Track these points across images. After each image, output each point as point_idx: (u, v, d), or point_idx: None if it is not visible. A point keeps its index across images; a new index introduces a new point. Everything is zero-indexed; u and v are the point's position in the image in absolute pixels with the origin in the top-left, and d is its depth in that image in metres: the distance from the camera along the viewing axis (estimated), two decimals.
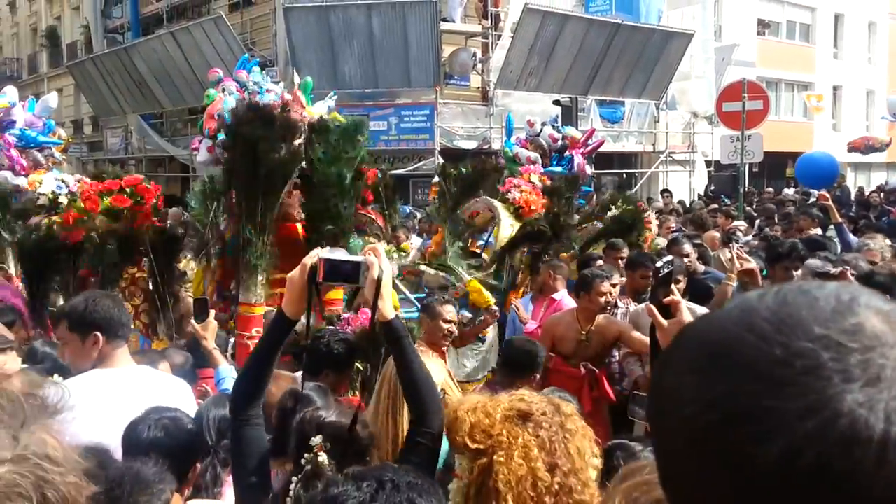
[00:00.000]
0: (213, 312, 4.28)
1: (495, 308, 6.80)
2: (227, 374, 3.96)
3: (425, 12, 18.11)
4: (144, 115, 25.10)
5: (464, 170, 7.72)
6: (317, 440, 2.13)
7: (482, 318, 6.09)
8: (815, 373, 0.60)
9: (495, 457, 1.89)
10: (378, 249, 2.28)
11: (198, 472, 2.71)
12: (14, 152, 8.69)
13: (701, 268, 6.44)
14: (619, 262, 6.60)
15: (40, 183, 6.85)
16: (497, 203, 7.57)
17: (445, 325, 4.52)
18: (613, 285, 5.56)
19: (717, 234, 8.30)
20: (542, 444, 1.91)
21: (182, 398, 3.20)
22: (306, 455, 2.11)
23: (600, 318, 5.32)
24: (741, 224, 11.06)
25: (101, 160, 27.23)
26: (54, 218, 6.27)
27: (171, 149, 23.27)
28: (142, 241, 5.29)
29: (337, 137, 5.17)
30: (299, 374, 3.49)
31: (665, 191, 19.12)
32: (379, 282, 2.19)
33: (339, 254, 2.28)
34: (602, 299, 5.23)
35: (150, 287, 5.40)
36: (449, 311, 4.58)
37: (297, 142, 5.18)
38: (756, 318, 0.64)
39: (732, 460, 0.62)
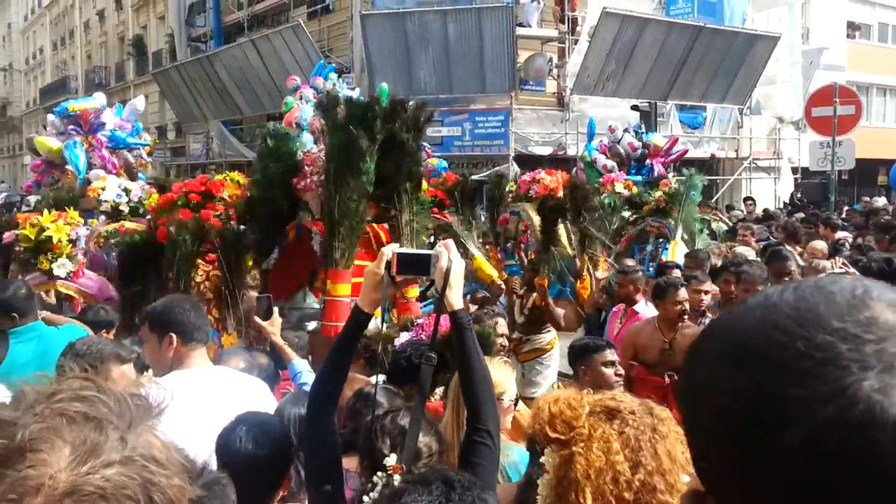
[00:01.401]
0: (276, 310, 4.30)
1: (500, 282, 6.65)
2: (302, 367, 3.95)
3: (501, 17, 17.99)
4: (225, 121, 25.71)
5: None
6: (392, 461, 2.09)
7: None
8: (833, 363, 0.65)
9: (576, 448, 1.86)
10: (450, 244, 2.32)
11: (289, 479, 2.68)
12: (105, 152, 8.94)
13: None
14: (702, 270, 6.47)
15: (103, 189, 6.97)
16: (525, 205, 7.43)
17: (498, 340, 4.49)
18: (706, 292, 5.54)
19: (823, 246, 7.70)
20: (626, 441, 1.85)
21: (260, 398, 3.21)
22: (379, 474, 2.07)
23: (686, 326, 5.19)
24: (847, 235, 10.28)
25: (184, 165, 28.05)
26: (114, 225, 6.40)
27: (249, 154, 23.68)
28: (209, 235, 5.35)
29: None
30: (374, 377, 3.44)
31: (748, 198, 18.48)
32: (448, 272, 2.24)
33: (414, 251, 2.39)
34: (677, 308, 5.15)
35: (220, 282, 5.45)
36: (501, 325, 4.56)
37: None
38: (779, 315, 0.69)
39: (760, 446, 0.66)
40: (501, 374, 3.20)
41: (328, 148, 5.13)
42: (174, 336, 3.11)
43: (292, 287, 5.71)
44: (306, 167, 5.40)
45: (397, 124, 5.04)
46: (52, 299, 5.99)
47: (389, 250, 2.30)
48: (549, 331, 6.83)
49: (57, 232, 5.70)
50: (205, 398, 2.90)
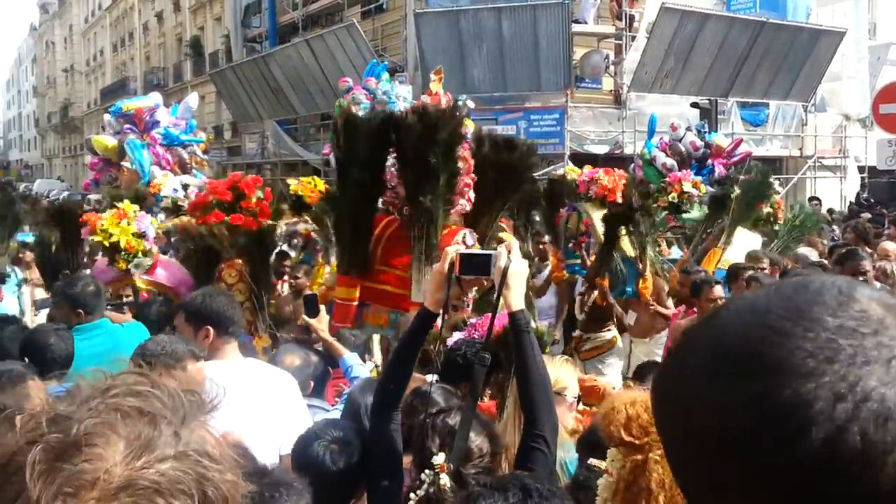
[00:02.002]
0: (323, 308, 4.36)
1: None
2: (353, 362, 4.01)
3: (557, 14, 17.75)
4: (280, 121, 25.95)
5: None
6: (439, 459, 2.09)
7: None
8: (839, 359, 0.64)
9: (651, 455, 1.80)
10: (512, 244, 2.34)
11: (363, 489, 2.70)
12: (160, 149, 9.03)
13: (877, 285, 5.75)
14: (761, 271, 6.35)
15: (164, 186, 7.02)
16: (584, 205, 7.25)
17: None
18: None
19: (894, 248, 7.36)
20: None
21: (287, 390, 3.33)
22: (427, 472, 2.09)
23: None
24: None
25: (239, 164, 28.40)
26: (175, 221, 6.42)
27: (304, 153, 23.89)
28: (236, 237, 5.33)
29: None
30: (430, 376, 3.39)
31: (813, 198, 17.88)
32: (506, 272, 2.25)
33: (476, 251, 2.46)
34: (709, 305, 5.19)
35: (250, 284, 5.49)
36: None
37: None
38: (772, 318, 0.68)
39: (776, 454, 0.64)
40: (563, 371, 3.18)
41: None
42: (210, 329, 3.24)
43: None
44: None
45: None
46: (128, 291, 6.11)
47: (453, 250, 2.33)
48: (609, 329, 6.77)
49: (123, 234, 5.68)
50: (237, 390, 2.93)
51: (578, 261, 7.33)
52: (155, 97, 9.94)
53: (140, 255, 5.69)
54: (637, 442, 1.83)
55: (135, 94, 33.50)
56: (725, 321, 0.71)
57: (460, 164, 5.29)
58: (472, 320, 4.45)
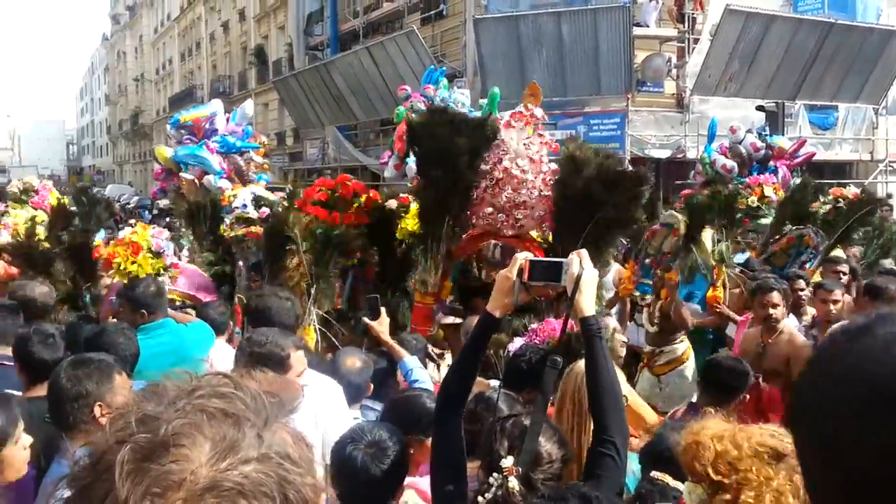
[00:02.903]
0: (383, 310, 4.39)
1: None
2: (413, 365, 4.00)
3: (618, 17, 17.56)
4: (340, 127, 26.29)
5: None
6: (508, 462, 2.08)
7: None
8: None
9: (742, 496, 1.73)
10: (583, 252, 2.33)
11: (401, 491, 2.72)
12: (217, 157, 9.23)
13: None
14: (840, 276, 6.36)
15: (234, 197, 7.16)
16: (674, 212, 7.11)
17: (620, 349, 4.50)
18: (835, 302, 5.43)
19: None
20: (796, 492, 1.72)
21: (330, 397, 3.37)
22: (495, 475, 2.08)
23: (785, 333, 5.17)
24: None
25: (300, 169, 28.84)
26: (243, 230, 6.56)
27: (363, 159, 24.14)
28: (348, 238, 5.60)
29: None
30: (493, 381, 3.38)
31: (885, 204, 17.25)
32: (578, 279, 2.26)
33: (547, 259, 2.42)
34: (763, 311, 5.16)
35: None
36: (618, 336, 4.55)
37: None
38: None
39: None
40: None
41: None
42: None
43: None
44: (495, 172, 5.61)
45: None
46: None
47: (523, 257, 2.34)
48: (682, 340, 6.55)
49: (142, 265, 5.62)
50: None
51: (651, 281, 7.20)
52: (215, 105, 10.15)
53: (162, 270, 5.70)
54: (726, 481, 1.76)
55: (201, 102, 34.31)
56: (874, 353, 0.65)
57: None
58: (534, 325, 4.44)
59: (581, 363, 3.00)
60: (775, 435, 1.83)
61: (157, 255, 5.71)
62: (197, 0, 47.92)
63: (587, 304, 2.29)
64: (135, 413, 0.89)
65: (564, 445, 2.25)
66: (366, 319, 4.38)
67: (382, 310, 4.39)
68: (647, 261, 6.99)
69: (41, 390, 3.14)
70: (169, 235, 6.13)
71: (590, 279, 2.29)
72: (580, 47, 17.82)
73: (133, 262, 5.57)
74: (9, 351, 3.96)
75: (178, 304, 5.69)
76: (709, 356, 5.23)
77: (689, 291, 6.86)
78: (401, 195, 6.71)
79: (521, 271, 2.31)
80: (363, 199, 6.05)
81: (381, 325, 4.28)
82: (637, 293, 6.83)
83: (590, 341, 2.31)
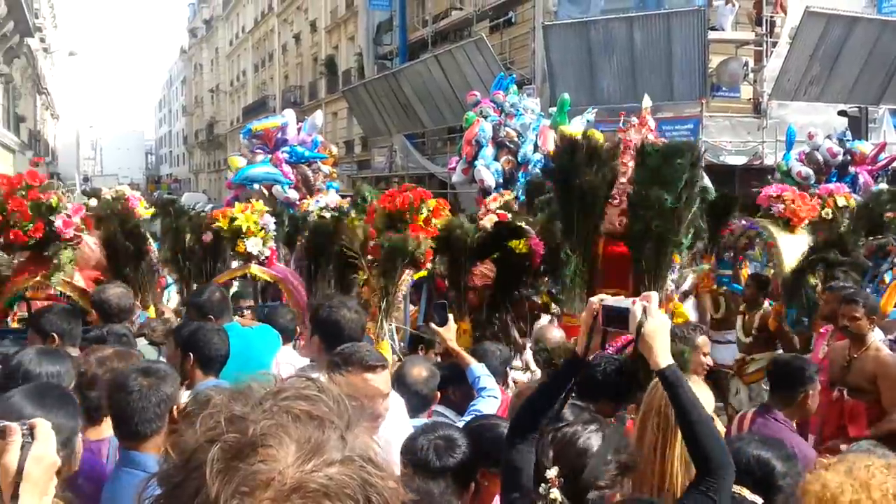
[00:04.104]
0: (451, 317, 4.38)
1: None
2: (481, 372, 3.93)
3: (692, 22, 17.15)
4: (408, 135, 26.40)
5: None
6: (552, 473, 2.05)
7: None
8: None
9: None
10: (651, 296, 2.23)
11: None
12: (286, 167, 9.34)
13: None
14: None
15: (308, 205, 7.37)
16: (765, 222, 6.85)
17: (704, 358, 4.32)
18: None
19: None
20: None
21: (392, 405, 3.33)
22: (542, 485, 2.06)
23: (872, 348, 4.95)
24: None
25: (368, 177, 29.08)
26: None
27: (430, 166, 24.18)
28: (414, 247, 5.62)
29: (657, 160, 5.47)
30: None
31: None
32: (640, 329, 2.17)
33: (621, 301, 2.26)
34: (841, 322, 4.98)
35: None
36: (705, 343, 4.39)
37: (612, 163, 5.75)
38: None
39: None
40: (697, 390, 2.92)
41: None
42: (317, 339, 3.44)
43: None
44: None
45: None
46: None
47: (597, 300, 2.28)
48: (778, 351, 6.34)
49: (245, 221, 6.25)
50: None
51: (730, 272, 6.96)
52: (288, 115, 10.31)
53: (259, 238, 6.22)
54: None
55: (274, 112, 35.07)
56: None
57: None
58: None
59: None
60: None
61: (263, 228, 6.28)
62: (270, 13, 49.02)
63: (658, 355, 2.18)
64: (224, 413, 0.91)
65: (623, 451, 2.17)
66: (433, 326, 4.37)
67: (450, 317, 4.38)
68: (727, 255, 6.83)
69: None
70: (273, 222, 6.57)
71: (655, 330, 2.17)
72: (653, 52, 17.46)
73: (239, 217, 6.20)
74: (76, 352, 3.99)
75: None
76: None
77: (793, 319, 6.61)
78: (498, 211, 6.78)
79: (595, 315, 2.25)
80: (430, 205, 6.02)
81: (449, 332, 4.26)
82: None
83: (672, 391, 2.19)
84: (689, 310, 6.77)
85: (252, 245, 6.26)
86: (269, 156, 9.75)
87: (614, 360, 3.72)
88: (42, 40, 38.19)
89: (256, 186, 9.61)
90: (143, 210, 6.65)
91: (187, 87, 78.46)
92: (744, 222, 7.18)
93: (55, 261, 5.32)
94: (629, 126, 6.21)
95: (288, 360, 4.60)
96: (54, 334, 4.10)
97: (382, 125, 27.90)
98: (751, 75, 18.48)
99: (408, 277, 6.26)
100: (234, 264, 6.65)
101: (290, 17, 45.12)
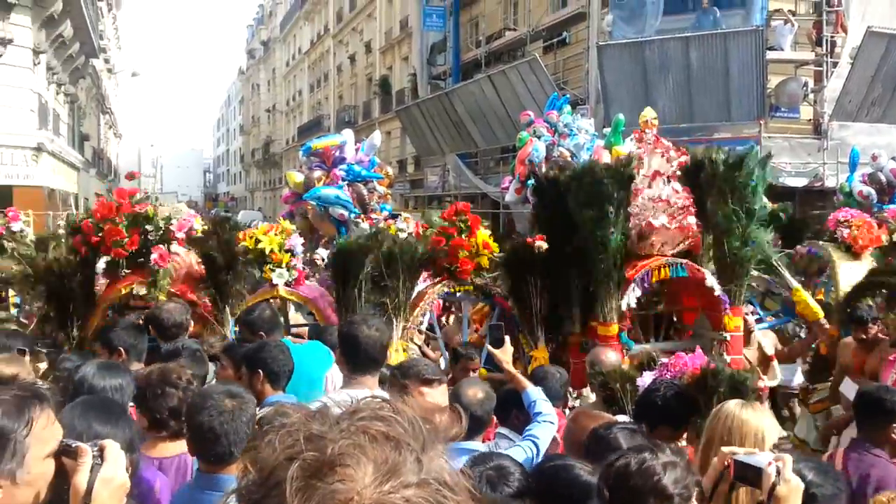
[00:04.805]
0: (507, 339, 4.35)
1: (824, 321, 6.04)
2: (536, 396, 3.89)
3: (750, 42, 16.88)
4: (461, 155, 26.51)
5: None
6: None
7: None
8: None
9: None
10: (786, 458, 2.08)
11: None
12: (343, 185, 9.46)
13: None
14: None
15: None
16: (827, 245, 6.67)
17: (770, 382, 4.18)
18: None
19: None
20: None
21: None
22: None
23: None
24: None
25: (421, 196, 29.25)
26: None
27: (483, 186, 24.21)
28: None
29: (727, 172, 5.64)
30: (622, 417, 3.23)
31: None
32: (772, 491, 2.02)
33: (754, 456, 2.13)
34: None
35: None
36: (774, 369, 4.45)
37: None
38: None
39: None
40: (763, 420, 2.86)
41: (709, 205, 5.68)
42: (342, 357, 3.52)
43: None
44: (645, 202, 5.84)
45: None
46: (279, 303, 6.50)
47: (728, 451, 2.14)
48: None
49: (269, 243, 6.22)
50: None
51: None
52: (347, 135, 10.44)
53: (285, 267, 6.18)
54: None
55: (328, 131, 35.57)
56: None
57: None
58: (664, 360, 4.25)
59: (730, 405, 2.78)
60: None
61: (289, 252, 6.26)
62: (326, 34, 49.89)
63: None
64: (302, 431, 0.92)
65: (687, 482, 2.08)
66: (490, 348, 4.32)
67: (506, 339, 4.34)
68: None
69: None
70: (303, 242, 6.58)
71: (788, 494, 2.02)
72: (709, 73, 17.23)
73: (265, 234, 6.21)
74: (141, 366, 4.08)
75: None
76: None
77: None
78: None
79: (726, 468, 2.14)
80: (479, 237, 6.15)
81: (505, 355, 4.22)
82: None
83: None
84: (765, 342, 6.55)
85: (278, 277, 6.27)
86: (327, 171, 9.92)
87: (674, 385, 3.66)
88: (106, 61, 39.47)
89: (312, 203, 9.73)
90: (200, 227, 6.77)
91: (245, 107, 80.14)
92: (806, 247, 7.04)
93: (153, 278, 5.54)
94: (642, 148, 6.16)
95: (339, 376, 4.68)
96: (121, 349, 4.21)
97: (435, 145, 28.07)
98: (811, 96, 18.10)
99: (436, 289, 6.30)
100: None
101: (346, 39, 45.86)
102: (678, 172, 5.90)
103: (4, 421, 1.62)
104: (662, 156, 5.98)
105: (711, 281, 5.65)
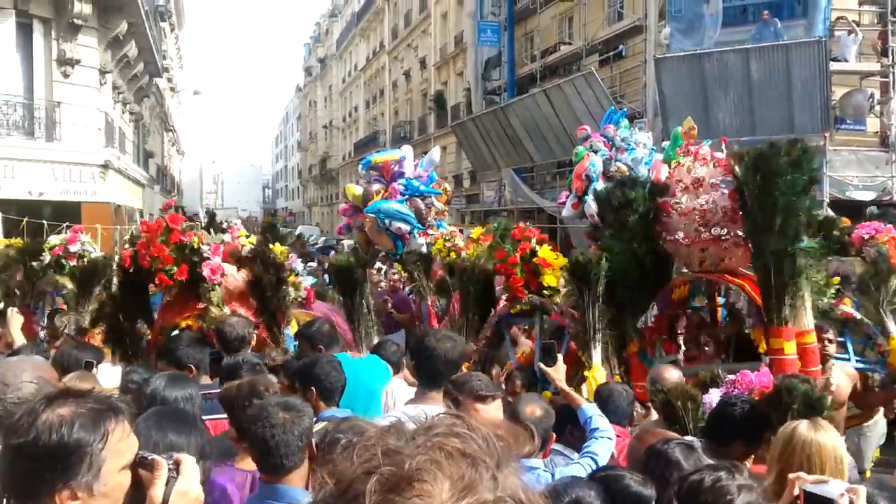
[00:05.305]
0: (560, 357, 4.31)
1: None
2: (592, 412, 3.87)
3: (813, 53, 16.49)
4: (516, 169, 26.45)
5: None
6: None
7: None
8: None
9: None
10: (859, 490, 2.04)
11: None
12: (400, 199, 9.54)
13: None
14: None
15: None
16: (855, 263, 6.61)
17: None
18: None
19: None
20: None
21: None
22: None
23: None
24: None
25: (477, 212, 29.26)
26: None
27: (539, 201, 24.09)
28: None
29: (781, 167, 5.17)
30: (691, 438, 3.17)
31: None
32: None
33: (825, 486, 2.09)
34: None
35: None
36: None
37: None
38: None
39: None
40: (836, 439, 2.85)
41: (749, 199, 5.21)
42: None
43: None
44: (676, 217, 5.59)
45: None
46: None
47: (796, 477, 2.12)
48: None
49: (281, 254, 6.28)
50: None
51: None
52: (406, 150, 10.53)
53: (291, 287, 6.26)
54: None
55: (384, 147, 35.96)
56: None
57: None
58: (731, 377, 4.15)
59: (801, 430, 2.70)
60: None
61: (291, 271, 6.34)
62: (381, 51, 50.48)
63: None
64: (379, 446, 0.93)
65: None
66: (542, 366, 4.29)
67: (559, 356, 4.32)
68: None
69: None
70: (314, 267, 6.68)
71: None
72: (771, 85, 16.88)
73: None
74: (209, 380, 4.16)
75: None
76: None
77: None
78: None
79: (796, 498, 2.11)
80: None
81: (558, 373, 4.20)
82: None
83: None
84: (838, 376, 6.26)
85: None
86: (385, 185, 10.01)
87: (749, 400, 3.56)
88: (169, 80, 40.61)
89: (371, 216, 9.81)
90: (244, 239, 6.91)
91: (302, 124, 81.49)
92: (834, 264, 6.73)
93: (205, 303, 5.66)
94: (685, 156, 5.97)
95: (399, 391, 4.71)
96: (191, 366, 4.28)
97: (491, 159, 28.08)
98: (877, 107, 17.57)
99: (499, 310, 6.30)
100: None
101: (401, 55, 46.32)
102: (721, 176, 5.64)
103: (81, 433, 1.63)
104: (704, 164, 5.78)
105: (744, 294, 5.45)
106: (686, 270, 6.01)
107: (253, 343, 5.32)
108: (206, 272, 5.64)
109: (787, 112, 16.88)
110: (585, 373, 5.78)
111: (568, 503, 2.43)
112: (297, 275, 6.48)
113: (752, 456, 3.42)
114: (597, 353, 5.86)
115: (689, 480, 2.09)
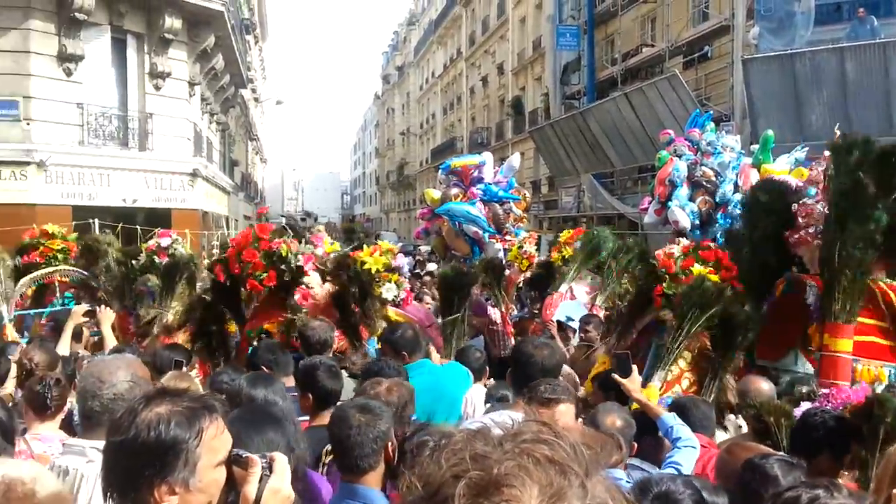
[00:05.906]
0: (635, 368, 4.24)
1: None
2: (673, 422, 3.79)
3: None
4: (596, 175, 26.11)
5: None
6: None
7: None
8: None
9: None
10: None
11: None
12: (479, 204, 9.49)
13: None
14: None
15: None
16: None
17: None
18: None
19: None
20: None
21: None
22: None
23: None
24: None
25: (555, 217, 29.03)
26: None
27: (620, 206, 23.72)
28: None
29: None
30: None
31: None
32: None
33: None
34: None
35: None
36: None
37: None
38: None
39: None
40: None
41: (832, 194, 5.03)
42: None
43: (781, 348, 5.53)
44: (800, 219, 5.47)
45: None
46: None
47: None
48: None
49: (374, 263, 6.35)
50: None
51: None
52: (486, 156, 10.51)
53: (393, 284, 6.37)
54: None
55: (461, 153, 36.05)
56: None
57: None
58: (824, 391, 3.98)
59: None
60: None
61: (394, 270, 6.44)
62: (459, 58, 50.72)
63: None
64: (468, 450, 0.93)
65: None
66: (617, 378, 4.23)
67: (634, 367, 4.27)
68: None
69: (323, 419, 3.40)
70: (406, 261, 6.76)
71: None
72: (867, 84, 16.18)
73: (367, 260, 6.35)
74: (291, 381, 4.19)
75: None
76: None
77: None
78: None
79: None
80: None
81: (633, 383, 4.16)
82: None
83: None
84: None
85: (387, 291, 6.41)
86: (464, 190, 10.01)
87: (834, 413, 3.42)
88: (253, 91, 41.75)
89: (447, 220, 9.79)
90: (328, 246, 6.99)
91: (380, 131, 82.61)
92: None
93: (290, 310, 5.82)
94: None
95: (476, 398, 4.73)
96: (263, 367, 4.40)
97: (570, 165, 27.82)
98: None
99: None
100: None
101: (478, 61, 46.44)
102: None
103: (177, 431, 1.71)
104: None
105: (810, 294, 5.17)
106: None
107: (335, 347, 5.36)
108: (297, 297, 5.84)
109: (886, 111, 16.16)
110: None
111: (657, 494, 2.38)
112: (400, 274, 6.57)
113: (844, 472, 3.26)
114: (659, 376, 5.61)
115: (783, 497, 2.00)
